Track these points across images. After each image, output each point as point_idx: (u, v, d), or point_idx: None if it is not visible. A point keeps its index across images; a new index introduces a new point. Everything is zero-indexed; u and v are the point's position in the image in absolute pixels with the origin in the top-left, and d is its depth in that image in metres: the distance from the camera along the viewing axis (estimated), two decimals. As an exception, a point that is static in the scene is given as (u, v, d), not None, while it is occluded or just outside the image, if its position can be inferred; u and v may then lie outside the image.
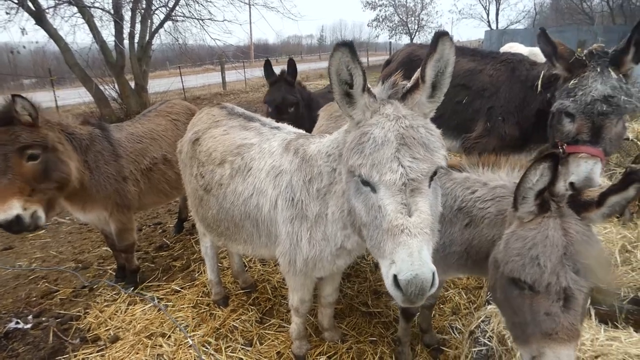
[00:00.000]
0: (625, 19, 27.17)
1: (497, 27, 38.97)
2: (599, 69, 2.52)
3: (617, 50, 2.53)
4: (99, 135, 3.53)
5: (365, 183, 1.57)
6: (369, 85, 1.64)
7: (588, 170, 2.48)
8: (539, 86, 3.15)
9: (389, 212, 1.47)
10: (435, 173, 1.55)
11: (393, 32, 41.56)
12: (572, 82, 2.61)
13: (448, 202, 2.05)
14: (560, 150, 2.63)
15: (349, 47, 1.52)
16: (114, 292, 3.80)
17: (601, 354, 2.20)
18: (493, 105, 3.58)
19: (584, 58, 2.62)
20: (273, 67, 4.34)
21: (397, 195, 1.47)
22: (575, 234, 1.48)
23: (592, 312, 2.62)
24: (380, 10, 40.93)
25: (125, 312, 3.51)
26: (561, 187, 1.61)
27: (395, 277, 1.41)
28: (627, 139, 5.49)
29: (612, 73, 2.49)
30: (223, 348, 2.98)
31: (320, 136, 2.25)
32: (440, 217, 2.04)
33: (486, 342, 2.39)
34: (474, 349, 2.39)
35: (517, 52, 3.94)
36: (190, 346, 3.00)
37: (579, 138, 2.55)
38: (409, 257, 1.38)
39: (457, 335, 2.95)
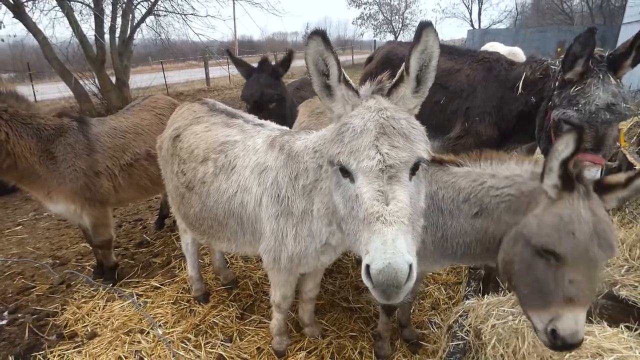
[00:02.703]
0: (604, 19, 27.86)
1: (479, 26, 39.57)
2: (600, 76, 2.46)
3: (616, 55, 2.48)
4: (74, 128, 3.47)
5: (345, 173, 1.55)
6: (346, 77, 1.64)
7: (593, 177, 2.51)
8: (520, 88, 3.12)
9: (365, 200, 1.44)
10: (417, 166, 1.54)
11: (378, 30, 41.85)
12: (573, 88, 2.53)
13: (449, 194, 2.08)
14: None
15: (321, 35, 1.52)
16: (92, 289, 3.74)
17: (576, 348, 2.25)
18: (470, 106, 3.56)
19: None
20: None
21: (374, 182, 1.44)
22: (601, 215, 1.66)
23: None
24: (364, 9, 41.19)
25: (103, 308, 3.46)
26: (590, 173, 1.77)
27: (368, 267, 1.36)
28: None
29: (612, 79, 2.46)
30: (202, 344, 2.96)
31: (307, 132, 2.24)
32: (437, 210, 2.08)
33: (463, 336, 2.43)
34: (451, 343, 2.43)
35: (494, 51, 3.93)
36: (169, 342, 2.96)
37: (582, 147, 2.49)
38: (383, 245, 1.33)
39: (436, 330, 2.99)
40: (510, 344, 2.28)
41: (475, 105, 3.52)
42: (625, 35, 13.24)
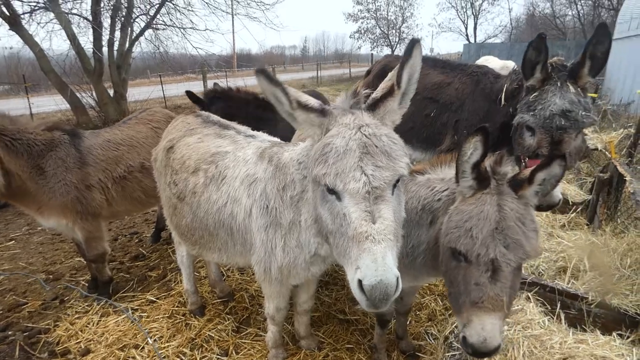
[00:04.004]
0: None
1: (475, 40, 40.13)
2: (558, 83, 2.52)
3: (575, 64, 2.55)
4: (65, 142, 3.48)
5: (331, 191, 1.59)
6: (302, 101, 1.66)
7: (506, 173, 2.50)
8: (503, 99, 3.17)
9: (354, 220, 1.50)
10: (398, 180, 1.59)
11: (375, 44, 42.36)
12: (532, 95, 2.60)
13: (413, 204, 2.09)
14: (523, 164, 2.64)
15: (263, 74, 1.58)
16: (86, 304, 3.70)
17: (569, 356, 2.27)
18: (459, 119, 3.61)
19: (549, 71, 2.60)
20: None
21: (361, 203, 1.50)
22: (510, 210, 1.58)
23: (562, 316, 2.70)
24: (362, 23, 41.76)
25: (97, 324, 3.42)
26: (507, 169, 1.69)
27: (360, 282, 1.45)
28: (596, 149, 5.71)
29: (571, 87, 2.50)
30: (198, 358, 2.94)
31: (294, 144, 2.27)
32: (407, 221, 2.06)
33: (459, 346, 2.43)
34: (447, 354, 2.43)
35: (483, 65, 3.99)
36: (164, 358, 2.94)
37: (539, 152, 2.54)
38: (374, 263, 1.42)
39: (433, 341, 2.98)
40: (506, 354, 2.29)
41: (464, 118, 3.58)
42: (615, 50, 13.48)
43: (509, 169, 1.70)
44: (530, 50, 2.55)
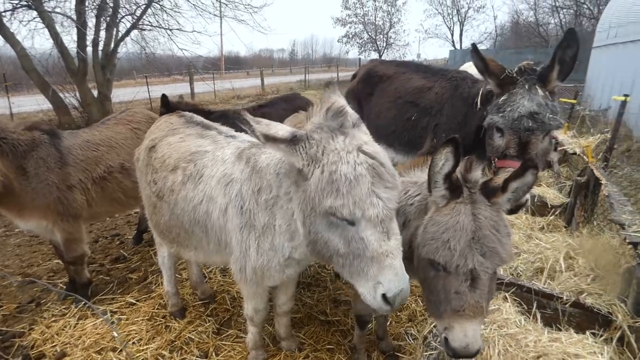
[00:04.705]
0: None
1: (460, 47, 40.76)
2: (527, 86, 2.57)
3: (544, 69, 2.60)
4: (45, 142, 3.42)
5: (343, 219, 1.57)
6: (269, 134, 1.61)
7: (477, 180, 2.52)
8: (479, 103, 3.22)
9: (373, 242, 1.55)
10: None
11: (362, 48, 42.68)
12: (502, 98, 2.66)
13: None
14: (492, 164, 2.68)
15: (226, 118, 1.62)
16: (63, 307, 3.63)
17: (543, 354, 2.31)
18: (438, 123, 3.67)
19: (514, 75, 2.66)
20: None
21: (378, 225, 1.56)
22: (484, 219, 1.60)
23: (538, 315, 2.75)
24: (350, 27, 42.05)
25: (74, 327, 3.35)
26: (477, 175, 1.69)
27: (384, 295, 1.56)
28: (575, 153, 5.84)
29: (539, 90, 2.55)
30: (177, 360, 2.90)
31: None
32: None
33: (437, 345, 2.45)
34: (425, 353, 2.45)
35: (463, 70, 4.06)
36: (142, 360, 2.90)
37: (507, 153, 2.59)
38: (396, 277, 1.54)
39: (412, 341, 3.00)
40: (482, 352, 2.32)
41: (443, 122, 3.63)
42: (595, 57, 13.86)
43: (479, 174, 1.71)
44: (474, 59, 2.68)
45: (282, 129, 1.63)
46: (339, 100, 1.77)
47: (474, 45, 2.68)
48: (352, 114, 1.71)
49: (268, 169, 2.05)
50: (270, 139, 1.60)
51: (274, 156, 2.04)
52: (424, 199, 1.90)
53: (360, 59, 39.49)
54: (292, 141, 1.60)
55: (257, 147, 2.34)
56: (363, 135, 1.62)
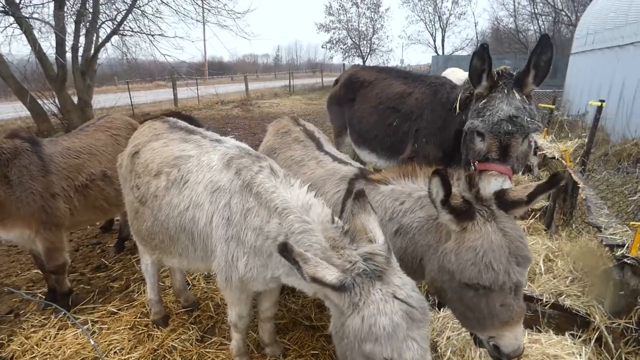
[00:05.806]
0: (555, 50, 29.83)
1: (443, 52, 41.39)
2: (505, 90, 2.63)
3: (520, 73, 2.65)
4: (27, 150, 3.36)
5: None
6: (321, 278, 1.59)
7: (498, 187, 2.46)
8: (457, 107, 3.28)
9: None
10: None
11: (346, 54, 42.88)
12: (481, 102, 2.70)
13: (379, 213, 2.12)
14: (472, 167, 2.73)
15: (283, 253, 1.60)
16: (43, 317, 3.54)
17: (523, 356, 2.36)
18: (419, 128, 3.72)
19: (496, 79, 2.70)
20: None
21: None
22: (511, 231, 1.69)
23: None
24: (333, 33, 42.23)
25: (54, 337, 3.27)
26: (486, 191, 1.79)
27: None
28: (554, 158, 5.99)
29: (517, 94, 2.61)
30: (160, 370, 2.86)
31: (272, 174, 2.19)
32: None
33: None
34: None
35: (442, 76, 4.13)
36: (124, 370, 2.85)
37: (488, 156, 2.63)
38: None
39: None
40: (464, 355, 2.36)
41: (423, 127, 3.68)
42: (573, 63, 14.28)
43: (486, 189, 1.78)
44: (475, 59, 2.65)
45: (329, 273, 1.61)
46: (373, 226, 1.78)
47: (486, 45, 2.64)
48: (382, 248, 1.70)
49: (273, 212, 2.05)
50: (317, 282, 1.60)
51: (281, 199, 2.05)
52: (431, 218, 1.94)
53: (344, 64, 39.78)
54: (340, 289, 1.61)
55: (249, 156, 2.32)
56: (395, 277, 1.62)
